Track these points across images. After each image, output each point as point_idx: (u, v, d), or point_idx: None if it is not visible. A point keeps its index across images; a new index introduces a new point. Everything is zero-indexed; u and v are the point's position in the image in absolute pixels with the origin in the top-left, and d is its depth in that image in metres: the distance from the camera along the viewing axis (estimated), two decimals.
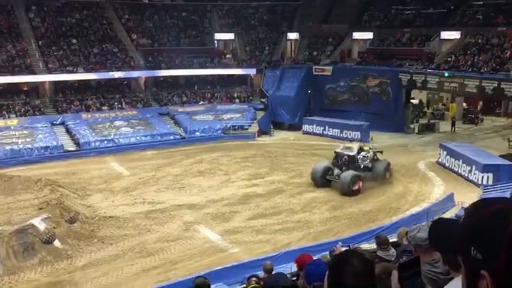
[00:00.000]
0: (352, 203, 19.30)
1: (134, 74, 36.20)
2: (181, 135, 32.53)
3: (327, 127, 32.83)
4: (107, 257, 14.86)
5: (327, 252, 9.30)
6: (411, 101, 35.02)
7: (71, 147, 29.30)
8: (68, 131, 30.54)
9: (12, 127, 29.30)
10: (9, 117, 30.42)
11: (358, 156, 21.20)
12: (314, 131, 33.45)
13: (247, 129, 34.05)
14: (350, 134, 31.47)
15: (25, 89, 33.69)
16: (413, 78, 31.39)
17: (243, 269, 11.97)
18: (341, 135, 31.85)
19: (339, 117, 33.04)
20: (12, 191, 19.82)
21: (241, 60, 39.94)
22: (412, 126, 33.63)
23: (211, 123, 33.79)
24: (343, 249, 6.58)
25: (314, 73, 36.09)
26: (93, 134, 30.32)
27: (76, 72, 33.72)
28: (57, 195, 18.60)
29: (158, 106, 35.87)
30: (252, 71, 39.16)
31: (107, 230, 16.82)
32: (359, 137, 30.82)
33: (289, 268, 10.95)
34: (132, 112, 33.93)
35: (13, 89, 32.97)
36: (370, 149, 22.00)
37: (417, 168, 24.28)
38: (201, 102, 37.14)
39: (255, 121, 34.71)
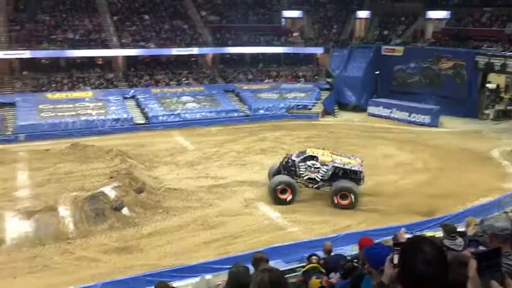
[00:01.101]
0: (418, 189, 18.68)
1: (202, 50, 36.75)
2: (245, 112, 32.84)
3: (394, 110, 31.80)
4: (171, 227, 15.44)
5: (388, 237, 9.10)
6: (487, 85, 33.00)
7: (140, 120, 30.50)
8: (138, 105, 31.75)
9: (87, 99, 30.89)
10: (85, 89, 32.08)
11: (301, 164, 17.66)
12: (380, 113, 32.51)
13: (310, 109, 33.76)
14: (419, 117, 30.37)
15: (100, 62, 35.29)
16: (491, 61, 29.52)
17: (302, 248, 12.00)
18: (409, 118, 30.82)
19: (408, 100, 31.94)
20: (86, 159, 21.06)
21: (308, 38, 39.34)
22: (487, 112, 31.77)
23: (275, 101, 33.83)
24: (407, 235, 6.40)
25: (383, 53, 34.92)
26: (161, 109, 31.34)
27: (147, 47, 34.80)
28: (127, 165, 19.51)
29: (224, 83, 36.32)
30: (319, 50, 38.53)
31: (172, 202, 17.43)
32: (428, 121, 29.71)
33: (348, 250, 10.86)
34: (199, 88, 34.61)
35: (89, 63, 34.65)
36: (332, 161, 17.52)
37: (490, 156, 23.02)
38: (266, 81, 37.13)
39: (319, 101, 34.34)
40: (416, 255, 1.64)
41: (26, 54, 31.10)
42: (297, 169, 17.66)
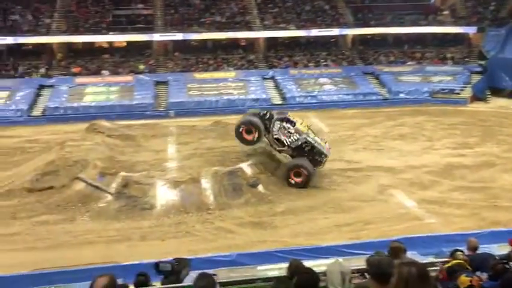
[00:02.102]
0: None
1: (343, 31, 36.04)
2: (384, 96, 31.68)
3: None
4: (303, 207, 15.62)
5: None
6: None
7: (278, 101, 31.21)
8: (276, 86, 32.51)
9: (229, 79, 32.61)
10: (228, 69, 33.83)
11: (277, 122, 17.28)
12: None
13: (458, 93, 31.27)
14: None
15: (243, 44, 36.82)
16: None
17: (440, 242, 11.28)
18: None
19: None
20: (226, 136, 22.20)
21: (459, 17, 36.18)
22: None
23: (418, 85, 32.06)
24: None
25: None
26: (299, 90, 31.73)
27: (288, 29, 35.25)
28: (263, 144, 20.13)
29: (363, 65, 35.34)
30: (471, 30, 35.25)
31: None
32: None
33: (495, 249, 9.89)
34: (337, 70, 34.20)
35: (233, 44, 36.37)
36: (306, 133, 17.21)
37: None
38: (409, 63, 35.21)
39: (468, 85, 31.61)
40: None
41: (179, 36, 33.82)
42: (272, 125, 17.49)
